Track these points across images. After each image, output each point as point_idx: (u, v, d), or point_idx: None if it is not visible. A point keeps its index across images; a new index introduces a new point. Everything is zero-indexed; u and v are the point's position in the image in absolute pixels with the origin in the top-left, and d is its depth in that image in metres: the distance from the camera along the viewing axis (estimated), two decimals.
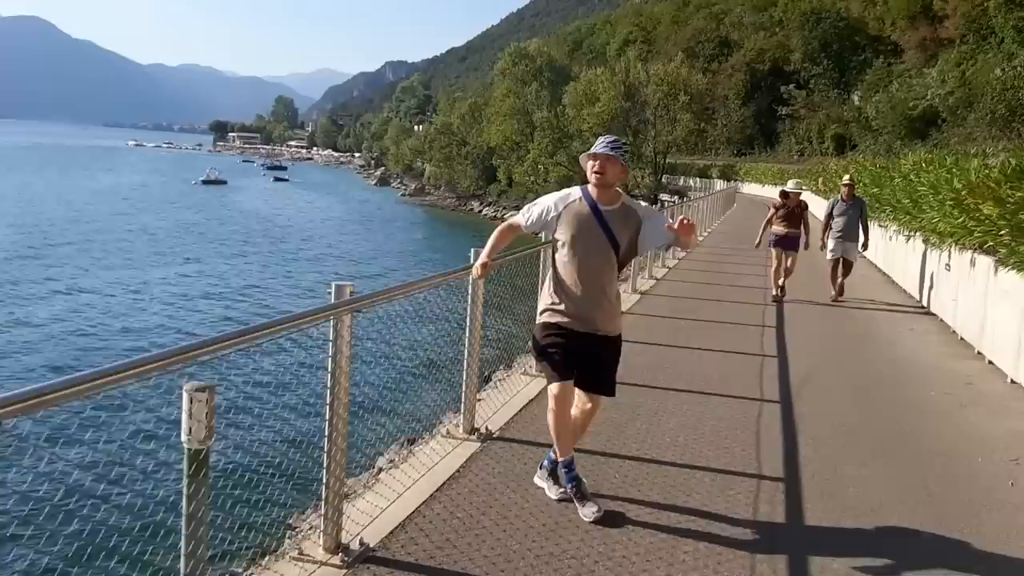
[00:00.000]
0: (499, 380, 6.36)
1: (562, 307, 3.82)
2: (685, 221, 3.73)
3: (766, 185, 50.28)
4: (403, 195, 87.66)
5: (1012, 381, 6.83)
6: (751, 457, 4.80)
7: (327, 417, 3.26)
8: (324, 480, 3.29)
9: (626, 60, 59.26)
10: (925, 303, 10.86)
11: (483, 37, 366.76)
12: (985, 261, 7.71)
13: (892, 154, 41.44)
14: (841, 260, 11.06)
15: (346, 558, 3.25)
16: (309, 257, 35.07)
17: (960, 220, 8.13)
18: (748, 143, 71.13)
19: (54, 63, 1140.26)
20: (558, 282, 3.85)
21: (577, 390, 3.86)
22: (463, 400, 4.88)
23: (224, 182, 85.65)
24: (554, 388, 3.78)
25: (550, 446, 4.08)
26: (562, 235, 3.83)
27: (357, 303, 3.26)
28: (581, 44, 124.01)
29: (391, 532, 3.51)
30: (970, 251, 8.24)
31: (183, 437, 3.53)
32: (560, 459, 3.92)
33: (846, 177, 12.13)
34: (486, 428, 4.92)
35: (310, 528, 3.94)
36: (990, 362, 7.52)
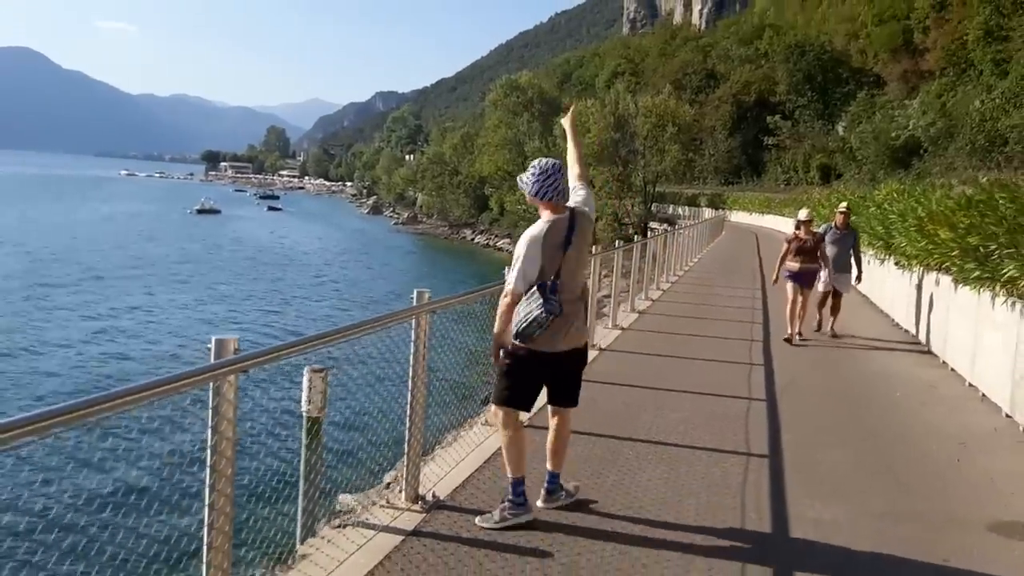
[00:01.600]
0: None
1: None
2: None
3: (753, 213, 51.49)
4: (396, 223, 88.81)
5: (969, 384, 7.75)
6: (741, 440, 5.70)
7: (410, 390, 4.16)
8: (407, 443, 4.18)
9: (615, 92, 60.71)
10: (898, 320, 11.78)
11: (472, 68, 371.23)
12: (946, 280, 8.68)
13: (876, 183, 42.61)
14: (832, 292, 10.55)
15: (424, 505, 4.13)
16: (316, 283, 36.21)
17: (922, 244, 9.11)
18: (735, 172, 72.65)
19: (45, 93, 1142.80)
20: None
21: (558, 408, 4.17)
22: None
23: (218, 211, 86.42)
24: (515, 416, 4.08)
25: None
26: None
27: (432, 306, 4.16)
28: (570, 76, 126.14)
29: (455, 489, 4.40)
30: (934, 272, 9.22)
31: (303, 407, 4.42)
32: (521, 476, 4.04)
33: (843, 204, 11.26)
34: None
35: (391, 484, 4.79)
36: (952, 369, 8.44)
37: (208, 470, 2.72)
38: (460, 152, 77.05)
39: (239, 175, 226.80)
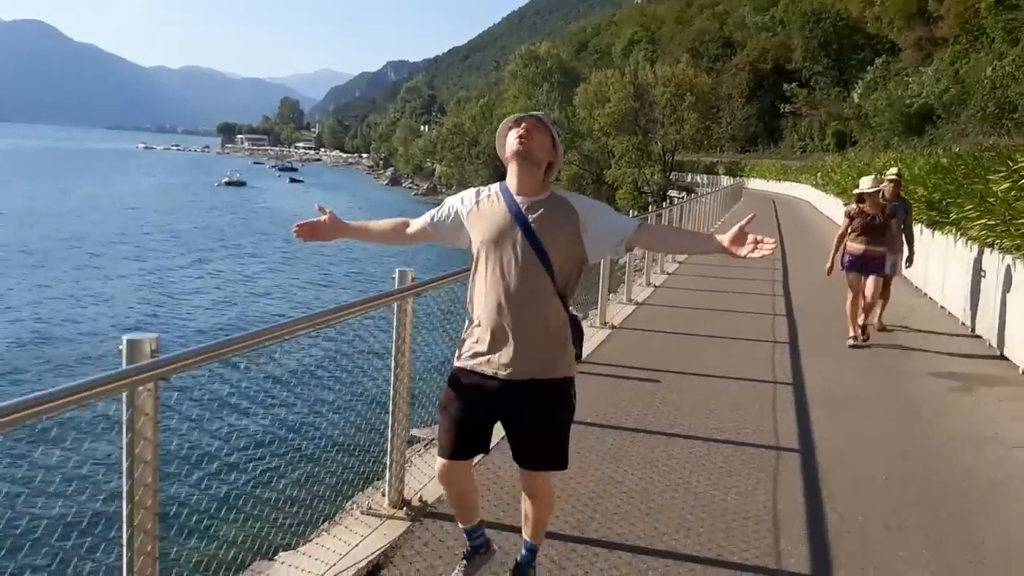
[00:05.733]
0: None
1: (478, 347, 2.79)
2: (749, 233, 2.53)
3: (770, 180, 53.37)
4: (416, 194, 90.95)
5: (941, 307, 10.19)
6: (770, 335, 8.22)
7: (392, 384, 3.77)
8: (389, 442, 3.80)
9: (634, 62, 62.36)
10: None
11: (484, 36, 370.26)
12: (928, 230, 11.06)
13: (890, 150, 44.35)
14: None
15: (410, 512, 3.74)
16: (368, 252, 38.95)
17: None
18: (752, 140, 74.20)
19: (57, 66, 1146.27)
20: (473, 310, 2.83)
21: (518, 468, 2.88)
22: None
23: (243, 183, 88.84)
24: (438, 465, 2.88)
25: None
26: (472, 243, 2.82)
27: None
28: (587, 45, 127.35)
29: None
30: (918, 224, 11.55)
31: None
32: (470, 525, 3.05)
33: (892, 171, 9.12)
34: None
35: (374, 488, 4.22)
36: (930, 298, 10.86)
37: (124, 500, 2.33)
38: (479, 123, 78.73)
39: (255, 147, 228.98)
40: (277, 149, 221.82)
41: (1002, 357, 7.46)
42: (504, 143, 2.81)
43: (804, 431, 5.22)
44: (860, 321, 8.04)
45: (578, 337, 2.90)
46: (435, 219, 2.92)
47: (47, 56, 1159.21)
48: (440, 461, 2.86)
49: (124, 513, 2.36)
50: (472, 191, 2.91)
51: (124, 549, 2.36)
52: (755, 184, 55.44)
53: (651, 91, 53.71)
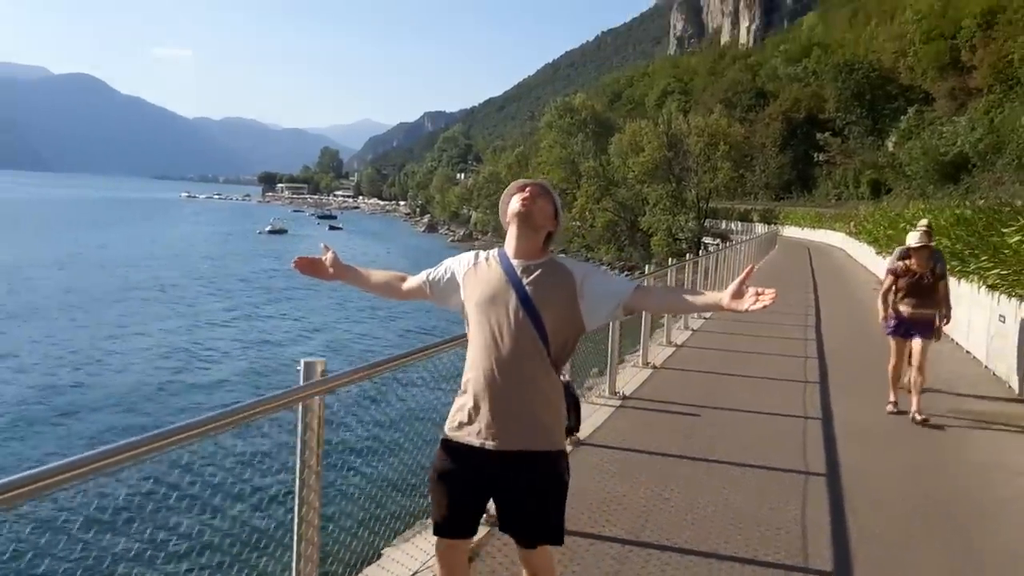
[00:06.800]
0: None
1: (466, 415, 2.70)
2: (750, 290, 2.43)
3: (804, 228, 53.70)
4: (452, 240, 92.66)
5: (967, 351, 10.71)
6: (801, 374, 8.83)
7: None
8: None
9: (668, 112, 63.50)
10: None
11: (520, 87, 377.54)
12: (952, 279, 11.62)
13: (926, 198, 44.58)
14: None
15: (488, 518, 3.80)
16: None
17: None
18: (786, 188, 74.63)
19: (105, 118, 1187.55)
20: (466, 377, 2.74)
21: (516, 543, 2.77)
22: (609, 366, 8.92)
23: (285, 231, 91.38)
24: (438, 545, 2.81)
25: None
26: (465, 306, 2.77)
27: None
28: (620, 95, 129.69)
29: None
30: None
31: None
32: None
33: (923, 221, 8.29)
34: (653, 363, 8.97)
35: None
36: (957, 343, 11.36)
37: (297, 485, 2.94)
38: (515, 171, 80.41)
39: (295, 196, 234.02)
40: (316, 197, 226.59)
41: (1020, 399, 8.01)
42: (506, 208, 2.80)
43: (831, 458, 5.85)
44: (916, 404, 7.10)
45: (572, 406, 2.84)
46: (431, 278, 2.89)
47: (96, 109, 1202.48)
48: (437, 540, 2.79)
49: (296, 495, 2.98)
50: (471, 254, 2.86)
51: (295, 521, 3.01)
52: (790, 231, 55.77)
53: (684, 140, 54.45)
